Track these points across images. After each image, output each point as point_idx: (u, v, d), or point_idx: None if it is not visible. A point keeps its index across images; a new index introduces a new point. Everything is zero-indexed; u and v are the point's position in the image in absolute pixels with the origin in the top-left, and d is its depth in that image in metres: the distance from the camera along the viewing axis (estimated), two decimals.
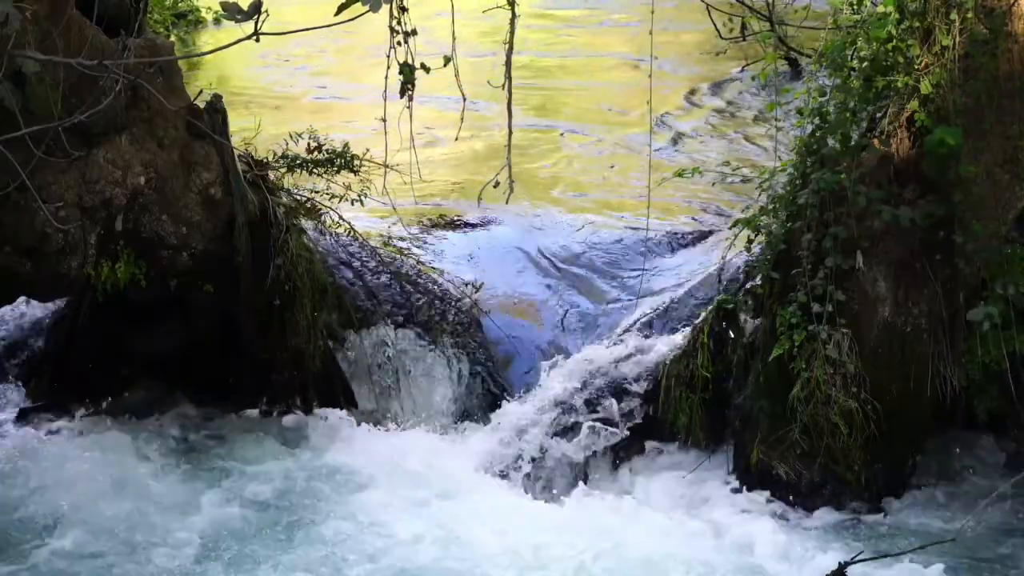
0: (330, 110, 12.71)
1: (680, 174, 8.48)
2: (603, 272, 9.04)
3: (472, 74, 6.73)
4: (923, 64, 7.13)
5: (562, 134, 11.64)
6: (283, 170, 8.35)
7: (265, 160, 8.30)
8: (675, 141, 11.35)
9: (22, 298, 8.47)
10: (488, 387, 8.41)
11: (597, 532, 7.23)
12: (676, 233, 9.39)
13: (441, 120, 10.60)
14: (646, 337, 8.32)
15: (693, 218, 9.70)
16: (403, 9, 6.55)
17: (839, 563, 4.58)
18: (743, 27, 8.14)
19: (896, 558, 6.61)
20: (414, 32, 6.49)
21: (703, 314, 8.12)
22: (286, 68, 14.41)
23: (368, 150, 8.41)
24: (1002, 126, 7.17)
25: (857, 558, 4.60)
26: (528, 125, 11.28)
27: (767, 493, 7.51)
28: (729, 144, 11.35)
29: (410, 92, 6.52)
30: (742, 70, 12.21)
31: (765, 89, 7.78)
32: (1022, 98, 7.13)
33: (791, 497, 7.47)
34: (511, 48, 6.62)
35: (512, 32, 6.58)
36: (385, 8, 4.65)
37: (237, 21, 4.45)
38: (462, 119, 6.78)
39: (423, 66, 6.42)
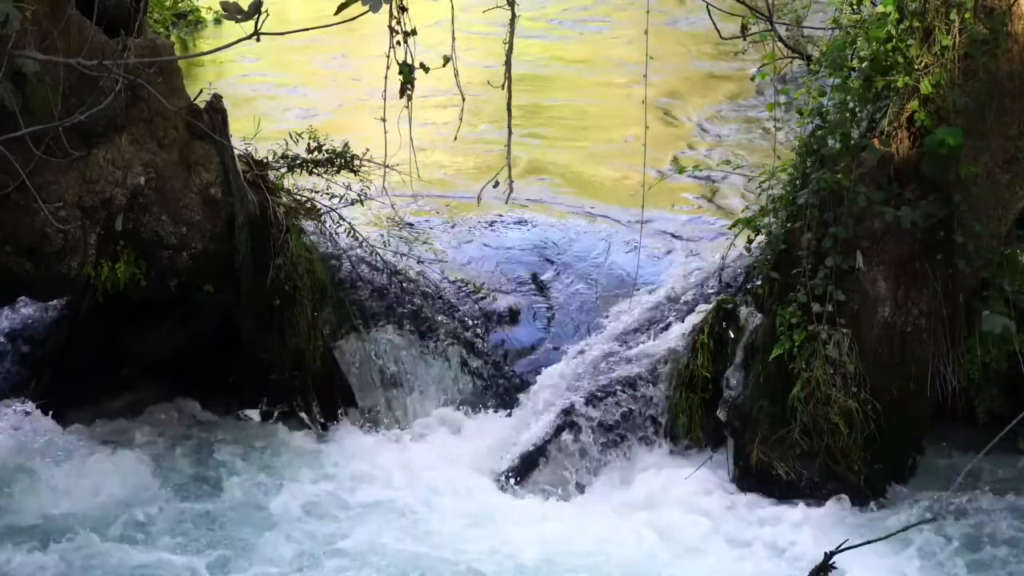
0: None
1: (681, 171, 8.49)
2: (602, 271, 9.04)
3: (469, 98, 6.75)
4: (923, 64, 7.13)
5: None
6: (283, 170, 8.35)
7: (265, 160, 8.30)
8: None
9: (22, 298, 8.48)
10: (488, 387, 8.41)
11: (598, 532, 7.24)
12: (675, 231, 9.40)
13: (441, 120, 10.59)
14: (645, 337, 8.33)
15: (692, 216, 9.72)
16: (403, 9, 6.55)
17: (825, 553, 4.58)
18: (743, 27, 8.13)
19: (889, 548, 6.62)
20: (414, 32, 6.49)
21: (703, 314, 8.12)
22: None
23: (368, 150, 8.41)
24: (1002, 126, 7.17)
25: (842, 547, 4.61)
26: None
27: (767, 493, 7.51)
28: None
29: (409, 92, 6.51)
30: (756, 71, 11.95)
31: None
32: (1022, 98, 7.13)
33: (791, 497, 7.47)
34: (511, 48, 6.61)
35: (512, 32, 6.57)
36: (384, 8, 4.65)
37: (237, 21, 4.46)
38: (461, 119, 6.77)
39: (422, 66, 6.41)
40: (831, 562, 4.62)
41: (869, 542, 5.39)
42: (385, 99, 6.47)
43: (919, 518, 7.31)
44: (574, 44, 15.27)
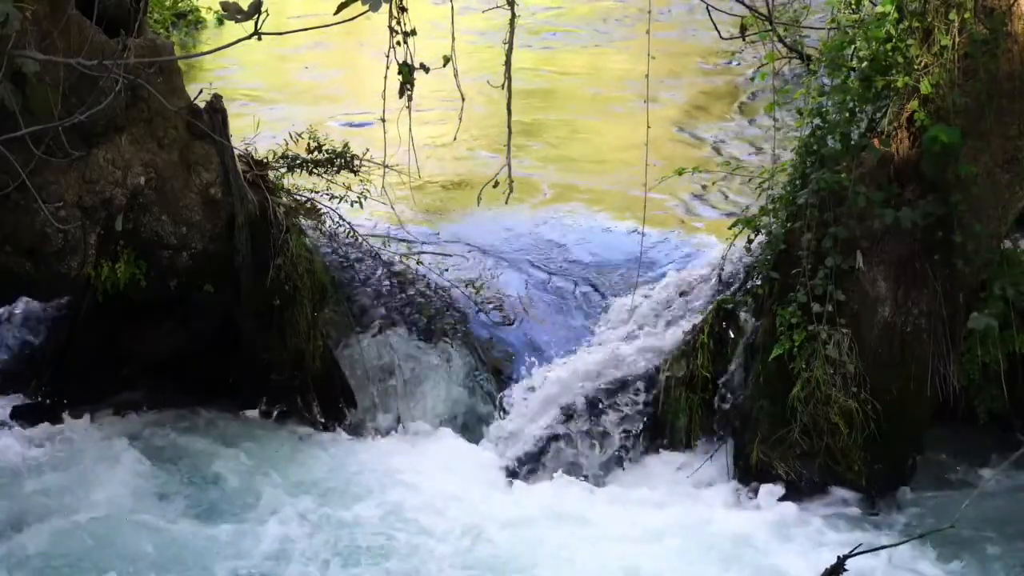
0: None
1: (680, 172, 8.47)
2: (602, 271, 9.05)
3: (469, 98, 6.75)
4: (923, 64, 7.13)
5: None
6: (283, 170, 8.36)
7: (265, 160, 8.31)
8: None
9: (22, 298, 8.48)
10: (488, 387, 8.41)
11: (597, 532, 7.24)
12: (675, 231, 9.40)
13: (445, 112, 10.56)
14: (646, 337, 8.33)
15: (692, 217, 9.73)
16: (403, 9, 6.55)
17: (838, 557, 4.59)
18: (743, 28, 8.13)
19: (899, 552, 6.62)
20: (413, 32, 6.49)
21: (703, 314, 8.13)
22: None
23: (368, 150, 8.42)
24: (1002, 126, 7.16)
25: (856, 551, 4.62)
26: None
27: (767, 493, 7.51)
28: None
29: (409, 92, 6.52)
30: (754, 73, 11.81)
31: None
32: (1022, 98, 7.13)
33: (791, 497, 7.47)
34: (511, 48, 6.62)
35: (512, 32, 6.58)
36: (384, 8, 4.66)
37: (237, 21, 4.47)
38: (460, 119, 6.78)
39: (422, 66, 6.42)
40: (844, 565, 4.62)
41: (884, 547, 5.40)
42: (384, 99, 6.48)
43: (923, 519, 7.33)
44: (568, 54, 15.21)
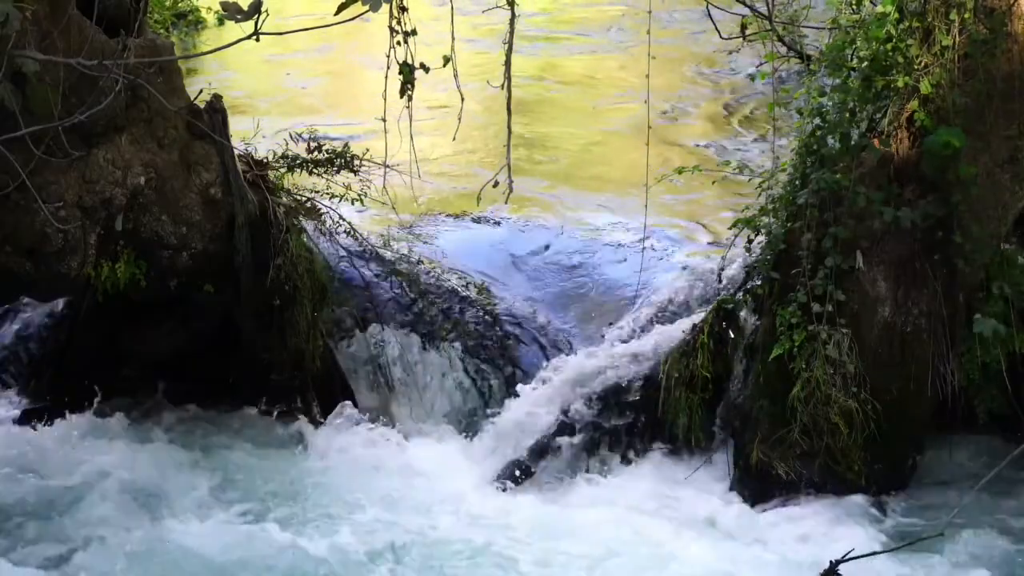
0: None
1: (680, 172, 8.47)
2: (603, 271, 9.05)
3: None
4: (923, 64, 7.14)
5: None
6: (283, 170, 8.36)
7: (265, 160, 8.31)
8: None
9: (22, 298, 8.48)
10: (489, 388, 8.41)
11: (597, 533, 7.24)
12: (675, 232, 9.40)
13: (441, 121, 10.56)
14: (646, 337, 8.33)
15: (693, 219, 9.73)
16: (403, 9, 6.56)
17: (830, 561, 4.59)
18: (743, 27, 8.14)
19: (894, 555, 6.62)
20: (414, 32, 6.50)
21: (703, 314, 8.13)
22: None
23: (368, 150, 8.42)
24: (1002, 126, 7.17)
25: (848, 556, 4.61)
26: None
27: (767, 493, 7.51)
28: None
29: (409, 92, 6.53)
30: (754, 72, 11.66)
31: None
32: (1022, 98, 7.13)
33: (791, 497, 7.47)
34: (510, 48, 6.62)
35: (511, 32, 6.58)
36: (385, 8, 4.66)
37: (237, 21, 4.47)
38: (460, 119, 6.78)
39: (422, 66, 6.43)
40: (837, 570, 4.62)
41: (876, 553, 5.39)
42: (385, 99, 6.48)
43: (923, 519, 7.32)
44: (568, 61, 15.14)
